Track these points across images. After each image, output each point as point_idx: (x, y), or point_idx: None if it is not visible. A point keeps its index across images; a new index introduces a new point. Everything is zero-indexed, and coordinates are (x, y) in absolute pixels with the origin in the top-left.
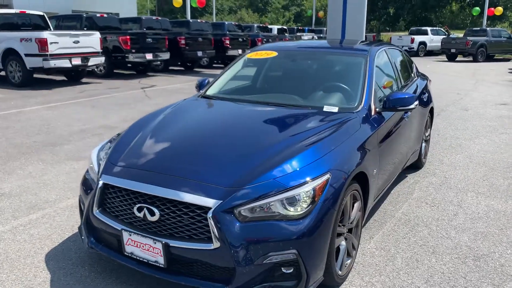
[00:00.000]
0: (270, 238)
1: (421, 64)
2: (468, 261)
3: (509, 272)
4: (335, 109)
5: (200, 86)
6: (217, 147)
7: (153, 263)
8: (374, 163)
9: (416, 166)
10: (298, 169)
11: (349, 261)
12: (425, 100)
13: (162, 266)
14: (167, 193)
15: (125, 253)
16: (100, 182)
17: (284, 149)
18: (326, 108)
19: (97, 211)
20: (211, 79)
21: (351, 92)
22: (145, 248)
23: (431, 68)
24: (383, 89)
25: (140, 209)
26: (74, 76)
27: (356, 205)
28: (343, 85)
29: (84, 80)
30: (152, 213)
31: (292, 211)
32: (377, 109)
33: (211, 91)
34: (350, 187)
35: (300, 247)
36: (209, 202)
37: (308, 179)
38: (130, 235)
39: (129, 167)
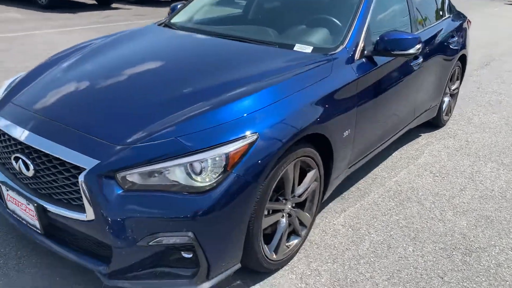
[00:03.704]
0: (159, 215)
1: (487, 6)
2: (455, 255)
3: (504, 276)
4: (309, 49)
5: (171, 12)
6: (134, 91)
7: (31, 226)
8: (347, 122)
9: (435, 124)
10: (213, 126)
11: (295, 241)
12: (451, 45)
13: (39, 231)
14: (42, 144)
15: (8, 210)
16: None
17: (210, 98)
18: (297, 47)
19: None
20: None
21: (337, 28)
22: (22, 208)
23: (498, 11)
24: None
25: (17, 160)
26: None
27: (310, 174)
28: (332, 19)
29: (114, 5)
30: (27, 167)
31: (199, 182)
32: (365, 52)
33: (176, 19)
34: (295, 152)
35: (197, 229)
36: (86, 162)
37: (221, 140)
38: (7, 190)
39: (21, 107)
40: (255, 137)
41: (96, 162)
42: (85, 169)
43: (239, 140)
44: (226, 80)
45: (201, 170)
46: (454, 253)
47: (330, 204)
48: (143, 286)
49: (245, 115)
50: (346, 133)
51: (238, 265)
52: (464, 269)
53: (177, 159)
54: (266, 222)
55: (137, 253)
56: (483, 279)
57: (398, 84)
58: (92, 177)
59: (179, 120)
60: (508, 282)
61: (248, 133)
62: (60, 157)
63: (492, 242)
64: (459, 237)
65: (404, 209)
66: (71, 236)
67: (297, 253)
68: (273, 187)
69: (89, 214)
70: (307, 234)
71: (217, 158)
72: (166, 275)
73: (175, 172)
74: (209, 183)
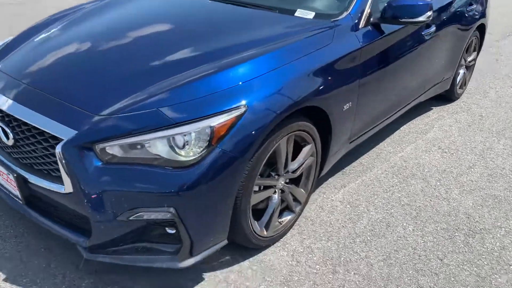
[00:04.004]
0: (139, 189)
1: None
2: (458, 236)
3: (508, 259)
4: (310, 15)
5: None
6: (121, 58)
7: (13, 196)
8: (347, 95)
9: (448, 97)
10: (199, 97)
11: (288, 217)
12: (469, 14)
13: (21, 202)
14: (21, 112)
15: None
16: None
17: (199, 66)
18: (298, 13)
19: None
20: None
21: None
22: (4, 177)
23: None
24: None
25: None
26: None
27: (306, 149)
28: None
29: None
30: (7, 136)
31: (182, 156)
32: (371, 20)
33: None
34: (289, 126)
35: (178, 205)
36: (64, 132)
37: (206, 112)
38: None
39: (4, 73)
40: (243, 109)
41: (74, 132)
42: (63, 139)
43: (226, 112)
44: (219, 47)
45: (184, 144)
46: (456, 234)
47: (330, 179)
48: (124, 261)
49: (234, 85)
50: (346, 106)
51: (225, 242)
52: (466, 251)
53: (158, 132)
54: (256, 198)
55: (117, 227)
56: (485, 262)
57: (407, 54)
58: (69, 148)
59: (163, 90)
60: (511, 267)
61: (236, 105)
62: (38, 126)
63: (498, 224)
64: (463, 217)
65: (407, 186)
66: (52, 207)
67: (291, 230)
68: (263, 162)
69: (67, 186)
70: (301, 211)
71: (201, 132)
72: (148, 251)
73: (157, 145)
74: (193, 157)
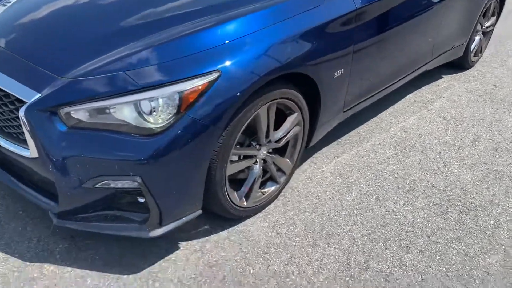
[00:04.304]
0: (103, 156)
1: None
2: (451, 213)
3: (500, 239)
4: None
5: None
6: (95, 17)
7: None
8: (339, 61)
9: (461, 65)
10: (169, 60)
11: (272, 188)
12: None
13: None
14: None
15: None
16: None
17: (175, 26)
18: None
19: None
20: None
21: None
22: None
23: None
24: None
25: None
26: None
27: (291, 118)
28: None
29: None
30: None
31: (152, 123)
32: None
33: None
34: (270, 94)
35: (145, 173)
36: (28, 94)
37: (176, 77)
38: None
39: None
40: (216, 74)
41: (38, 95)
42: (27, 102)
43: (197, 77)
44: (200, 5)
45: (151, 110)
46: (449, 210)
47: (323, 149)
48: (92, 228)
49: (209, 48)
50: (338, 73)
51: (199, 212)
52: (456, 229)
53: (124, 97)
54: (233, 168)
55: (84, 194)
56: (475, 241)
57: (412, 18)
58: (33, 111)
59: (134, 52)
60: (503, 247)
61: (209, 70)
62: (3, 88)
63: (496, 201)
64: (459, 193)
65: (404, 158)
66: (23, 172)
67: (275, 200)
68: (240, 132)
69: (33, 151)
70: (287, 181)
71: (170, 98)
72: (117, 219)
73: (123, 110)
74: (161, 125)
